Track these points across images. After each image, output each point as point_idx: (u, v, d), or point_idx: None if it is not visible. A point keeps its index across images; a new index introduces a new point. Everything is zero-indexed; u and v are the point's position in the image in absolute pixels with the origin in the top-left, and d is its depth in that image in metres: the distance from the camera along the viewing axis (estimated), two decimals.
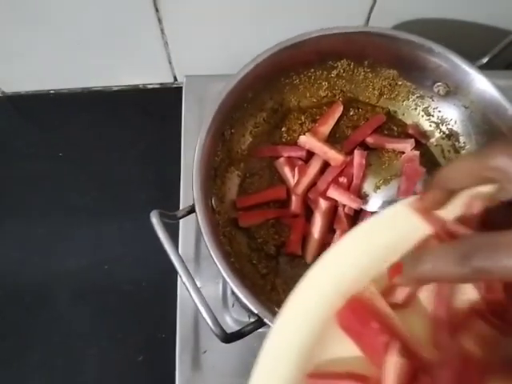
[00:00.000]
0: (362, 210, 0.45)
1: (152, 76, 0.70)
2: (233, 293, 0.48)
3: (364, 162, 0.45)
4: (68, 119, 0.70)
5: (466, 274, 0.21)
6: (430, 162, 0.49)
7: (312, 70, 0.49)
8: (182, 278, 0.34)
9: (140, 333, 0.61)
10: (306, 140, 0.47)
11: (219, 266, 0.36)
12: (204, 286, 0.49)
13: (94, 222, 0.66)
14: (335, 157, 0.46)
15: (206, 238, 0.37)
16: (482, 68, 0.46)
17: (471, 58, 0.47)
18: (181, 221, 0.52)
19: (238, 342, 0.47)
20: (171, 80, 0.71)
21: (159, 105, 0.71)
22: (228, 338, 0.33)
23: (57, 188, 0.67)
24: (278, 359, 0.26)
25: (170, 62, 0.67)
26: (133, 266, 0.63)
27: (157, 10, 0.57)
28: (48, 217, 0.65)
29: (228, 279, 0.36)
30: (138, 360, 0.59)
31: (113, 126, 0.70)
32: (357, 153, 0.46)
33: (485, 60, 0.47)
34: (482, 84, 0.45)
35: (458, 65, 0.45)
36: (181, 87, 0.64)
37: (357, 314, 0.25)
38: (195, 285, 0.34)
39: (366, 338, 0.25)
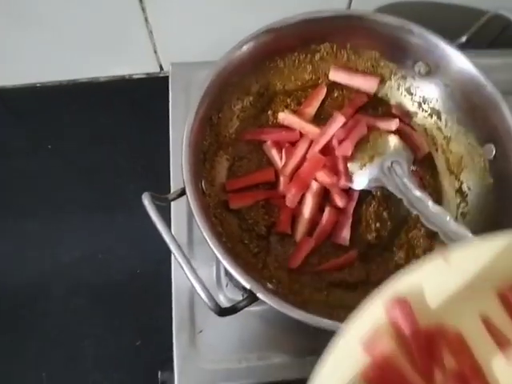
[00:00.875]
0: (349, 188, 0.47)
1: (138, 66, 0.71)
2: (226, 273, 0.49)
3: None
4: (55, 112, 0.70)
5: None
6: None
7: (296, 53, 0.50)
8: (176, 256, 0.35)
9: (136, 319, 0.61)
10: (285, 116, 0.48)
11: (212, 245, 0.37)
12: (198, 270, 0.50)
13: (85, 214, 0.66)
14: (313, 130, 0.47)
15: (198, 219, 0.38)
16: (463, 47, 0.47)
17: (451, 37, 0.49)
18: (172, 207, 0.53)
19: (232, 320, 0.48)
20: (157, 70, 0.71)
21: (146, 95, 0.71)
22: (222, 311, 0.34)
23: (46, 182, 0.67)
24: None
25: (156, 51, 0.67)
26: (127, 255, 0.64)
27: (140, 0, 0.57)
28: (38, 211, 0.65)
29: (221, 258, 0.37)
30: (136, 345, 0.60)
31: (100, 117, 0.70)
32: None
33: (464, 38, 0.48)
34: (460, 62, 0.46)
35: (437, 44, 0.46)
36: (167, 76, 0.64)
37: None
38: (189, 262, 0.35)
39: None
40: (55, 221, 0.65)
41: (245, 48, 0.46)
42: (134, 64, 0.71)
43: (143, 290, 0.62)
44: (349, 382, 0.25)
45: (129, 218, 0.65)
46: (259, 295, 0.36)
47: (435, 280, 0.26)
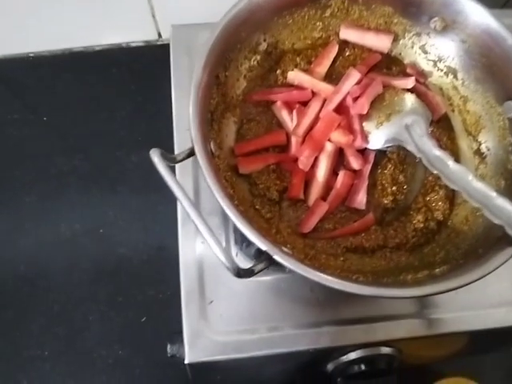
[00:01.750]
0: (365, 148, 0.45)
1: (135, 33, 0.68)
2: (236, 241, 0.47)
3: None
4: (50, 82, 0.67)
5: None
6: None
7: (305, 9, 0.47)
8: (187, 210, 0.33)
9: (141, 294, 0.60)
10: (295, 75, 0.46)
11: (225, 207, 0.35)
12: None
13: (85, 186, 0.64)
14: (326, 88, 0.45)
15: (209, 179, 0.36)
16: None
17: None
18: (177, 174, 0.50)
19: (243, 291, 0.47)
20: (156, 37, 0.68)
21: (144, 63, 0.69)
22: (240, 272, 0.32)
23: (43, 153, 0.64)
24: None
25: (154, 16, 0.64)
26: (129, 229, 0.62)
27: None
28: (36, 184, 0.63)
29: (235, 219, 0.35)
30: (141, 321, 0.59)
31: (97, 87, 0.67)
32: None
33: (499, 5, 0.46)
34: (479, 15, 0.44)
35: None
36: (166, 44, 0.61)
37: None
38: (201, 216, 0.32)
39: None
40: (54, 194, 0.62)
41: (251, 2, 0.43)
42: (132, 31, 0.68)
43: (147, 265, 0.61)
44: None
45: (130, 190, 0.62)
46: (276, 257, 0.34)
47: None
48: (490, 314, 0.47)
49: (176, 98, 0.52)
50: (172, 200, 0.49)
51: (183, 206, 0.33)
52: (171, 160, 0.37)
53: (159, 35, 0.68)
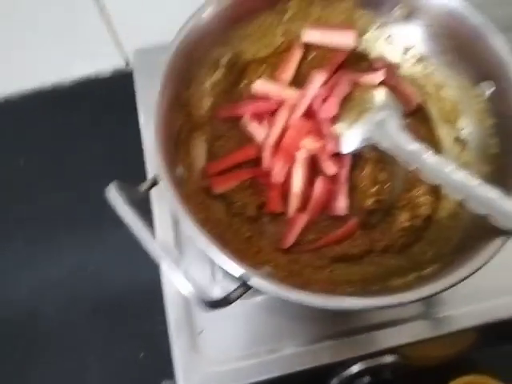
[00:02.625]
0: (339, 153, 0.43)
1: (103, 63, 0.67)
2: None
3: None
4: (24, 123, 0.67)
5: None
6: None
7: (262, 16, 0.46)
8: (150, 251, 0.31)
9: (138, 330, 0.59)
10: (260, 85, 0.45)
11: (194, 233, 0.34)
12: (191, 265, 0.47)
13: (70, 224, 0.63)
14: (291, 94, 0.43)
15: (177, 207, 0.34)
16: None
17: None
18: (155, 206, 0.49)
19: (235, 314, 0.45)
20: (123, 64, 0.67)
21: (115, 92, 0.68)
22: (212, 304, 0.30)
23: (23, 196, 0.64)
24: None
25: (119, 44, 0.63)
26: (118, 264, 0.61)
27: None
28: (21, 227, 0.62)
29: (204, 247, 0.33)
30: (140, 357, 0.57)
31: (71, 122, 0.67)
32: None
33: None
34: None
35: None
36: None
37: None
38: (169, 255, 0.31)
39: None
40: (40, 236, 0.61)
41: (205, 16, 0.42)
42: (99, 61, 0.67)
43: (141, 298, 0.59)
44: None
45: (116, 224, 0.61)
46: (251, 282, 0.32)
47: None
48: (501, 304, 0.45)
49: (144, 125, 0.50)
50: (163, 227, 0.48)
51: (142, 243, 0.31)
52: (134, 192, 0.35)
53: (127, 63, 0.67)
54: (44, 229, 0.62)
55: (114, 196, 0.32)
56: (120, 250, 0.60)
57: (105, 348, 0.57)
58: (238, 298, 0.33)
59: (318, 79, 0.42)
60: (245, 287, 0.33)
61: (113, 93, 0.66)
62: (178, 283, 0.30)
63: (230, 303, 0.32)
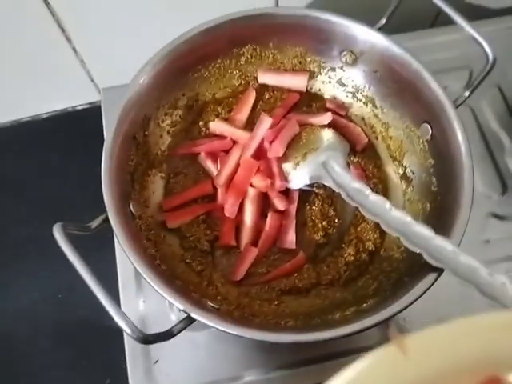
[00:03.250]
0: (289, 189, 0.45)
1: (78, 97, 0.70)
2: None
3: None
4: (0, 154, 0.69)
5: None
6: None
7: (219, 60, 0.48)
8: (90, 286, 0.33)
9: (104, 356, 0.59)
10: (215, 125, 0.47)
11: (140, 269, 0.35)
12: (148, 300, 0.48)
13: (40, 253, 0.64)
14: (243, 135, 0.46)
15: (123, 244, 0.36)
16: (386, 31, 0.46)
17: (373, 22, 0.48)
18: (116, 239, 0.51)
19: (191, 344, 0.46)
20: (98, 98, 0.70)
21: (91, 124, 0.70)
22: (148, 338, 0.32)
23: None
24: None
25: (93, 80, 0.66)
26: (86, 292, 0.62)
27: (63, 30, 0.56)
28: None
29: (150, 281, 0.35)
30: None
31: (46, 153, 0.68)
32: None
33: (383, 20, 0.47)
34: (382, 44, 0.45)
35: (357, 30, 0.45)
36: None
37: None
38: (102, 291, 0.33)
39: None
40: (11, 264, 0.63)
41: (160, 62, 0.44)
42: (74, 96, 0.69)
43: (109, 325, 0.60)
44: None
45: (87, 252, 0.62)
46: (193, 315, 0.34)
47: (387, 374, 0.21)
48: None
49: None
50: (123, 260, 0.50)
51: (84, 278, 0.33)
52: (86, 229, 0.37)
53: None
54: (15, 257, 0.63)
55: (59, 236, 0.34)
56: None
57: (70, 374, 0.58)
58: (182, 330, 0.34)
59: (265, 122, 0.45)
60: (189, 320, 0.35)
61: (89, 124, 0.68)
62: (116, 320, 0.32)
63: (174, 335, 0.34)
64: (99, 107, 0.70)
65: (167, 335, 0.34)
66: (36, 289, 0.62)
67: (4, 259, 0.63)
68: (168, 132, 0.48)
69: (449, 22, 0.44)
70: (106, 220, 0.38)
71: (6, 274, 0.62)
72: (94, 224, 0.38)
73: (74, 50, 0.60)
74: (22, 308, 0.61)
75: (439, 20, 0.68)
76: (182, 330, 0.35)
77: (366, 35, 0.45)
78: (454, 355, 0.21)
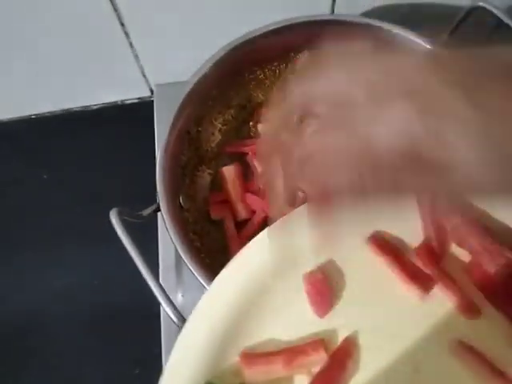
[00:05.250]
0: None
1: (129, 91, 0.71)
2: None
3: None
4: (50, 141, 0.71)
5: None
6: None
7: (275, 63, 0.49)
8: (143, 274, 0.34)
9: (136, 346, 0.60)
10: (263, 127, 0.48)
11: (186, 260, 0.36)
12: (186, 294, 0.49)
13: (82, 242, 0.65)
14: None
15: (173, 234, 0.37)
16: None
17: (434, 36, 0.47)
18: (159, 231, 0.52)
19: None
20: (148, 93, 0.71)
21: (140, 118, 0.71)
22: None
23: (42, 210, 0.67)
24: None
25: (144, 75, 0.67)
26: (123, 280, 0.63)
27: (122, 25, 0.58)
28: (33, 240, 0.65)
29: (195, 273, 0.36)
30: (134, 373, 0.58)
31: (94, 144, 0.70)
32: None
33: (445, 35, 0.46)
34: None
35: (419, 43, 0.45)
36: None
37: None
38: (155, 279, 0.33)
39: None
40: (50, 250, 0.64)
41: (220, 61, 0.45)
42: (125, 90, 0.71)
43: (142, 315, 0.61)
44: None
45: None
46: None
47: None
48: None
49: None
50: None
51: (138, 265, 0.33)
52: (137, 217, 0.38)
53: (151, 91, 0.71)
54: (55, 244, 0.65)
55: (116, 221, 0.35)
56: (127, 268, 0.62)
57: (101, 361, 0.59)
58: None
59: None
60: None
61: (138, 118, 0.70)
62: (164, 307, 0.32)
63: None
64: (148, 103, 0.72)
65: None
66: (73, 274, 0.64)
67: (43, 245, 0.65)
68: (219, 130, 0.49)
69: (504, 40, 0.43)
70: (157, 210, 0.39)
71: (45, 259, 0.64)
72: (146, 212, 0.39)
73: (131, 44, 0.62)
74: (59, 292, 0.63)
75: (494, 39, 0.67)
76: None
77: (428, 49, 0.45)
78: None
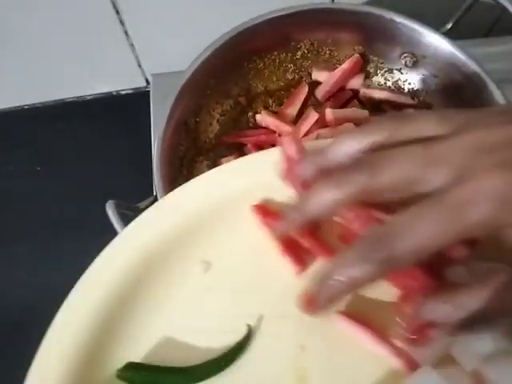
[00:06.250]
0: None
1: (124, 82, 0.70)
2: None
3: None
4: (44, 132, 0.69)
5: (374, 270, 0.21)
6: None
7: (275, 52, 0.48)
8: None
9: None
10: (262, 118, 0.47)
11: None
12: None
13: (76, 234, 0.64)
14: (288, 130, 0.45)
15: None
16: (454, 36, 0.45)
17: (438, 26, 0.46)
18: None
19: None
20: (144, 84, 0.70)
21: (134, 110, 0.70)
22: None
23: (36, 203, 0.65)
24: None
25: (140, 65, 0.66)
26: None
27: (117, 13, 0.56)
28: (28, 233, 0.64)
29: None
30: None
31: (88, 135, 0.69)
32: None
33: (449, 25, 0.46)
34: (448, 49, 0.44)
35: (422, 33, 0.44)
36: None
37: None
38: None
39: None
40: (46, 243, 0.63)
41: (218, 50, 0.44)
42: (120, 80, 0.70)
43: None
44: None
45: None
46: None
47: None
48: None
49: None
50: None
51: None
52: (134, 209, 0.37)
53: (147, 82, 0.70)
54: (51, 237, 0.64)
55: (112, 213, 0.33)
56: None
57: None
58: None
59: (311, 117, 0.44)
60: None
61: (132, 109, 0.68)
62: None
63: None
64: (143, 93, 0.71)
65: None
66: (70, 267, 0.62)
67: (39, 238, 0.64)
68: (217, 120, 0.48)
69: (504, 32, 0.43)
70: (154, 202, 0.38)
71: (41, 252, 0.63)
72: (143, 205, 0.38)
73: (126, 33, 0.60)
74: (56, 285, 0.61)
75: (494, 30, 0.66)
76: None
77: (431, 38, 0.44)
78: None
